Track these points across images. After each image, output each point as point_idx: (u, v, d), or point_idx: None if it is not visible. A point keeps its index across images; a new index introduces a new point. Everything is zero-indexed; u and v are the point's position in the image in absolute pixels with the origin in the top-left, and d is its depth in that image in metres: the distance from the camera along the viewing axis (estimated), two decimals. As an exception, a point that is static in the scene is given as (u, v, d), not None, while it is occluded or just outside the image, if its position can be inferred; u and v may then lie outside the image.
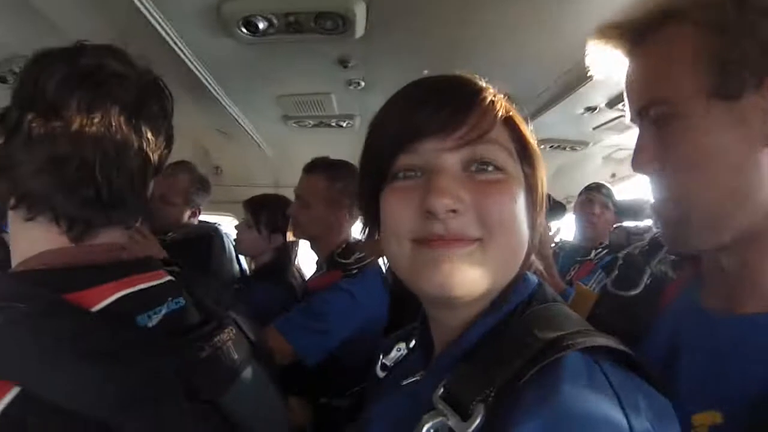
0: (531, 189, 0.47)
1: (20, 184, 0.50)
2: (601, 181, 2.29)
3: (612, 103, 1.76)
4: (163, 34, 1.18)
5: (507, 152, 0.46)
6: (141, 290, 0.53)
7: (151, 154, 0.56)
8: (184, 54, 1.32)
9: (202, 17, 1.16)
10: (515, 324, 0.44)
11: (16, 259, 0.52)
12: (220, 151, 2.52)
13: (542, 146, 2.11)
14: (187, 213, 1.73)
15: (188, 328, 0.56)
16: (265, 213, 1.62)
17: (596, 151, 2.43)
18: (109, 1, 1.06)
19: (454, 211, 0.42)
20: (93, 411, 0.40)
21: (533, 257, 0.51)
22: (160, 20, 1.14)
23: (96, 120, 0.50)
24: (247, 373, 0.60)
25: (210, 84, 1.54)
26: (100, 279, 0.50)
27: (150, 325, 0.52)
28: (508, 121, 0.47)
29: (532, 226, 0.47)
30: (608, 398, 0.35)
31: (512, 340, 0.41)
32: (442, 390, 0.41)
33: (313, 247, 1.47)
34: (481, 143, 0.44)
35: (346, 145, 1.88)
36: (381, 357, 0.64)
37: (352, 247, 1.37)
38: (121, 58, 0.55)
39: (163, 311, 0.54)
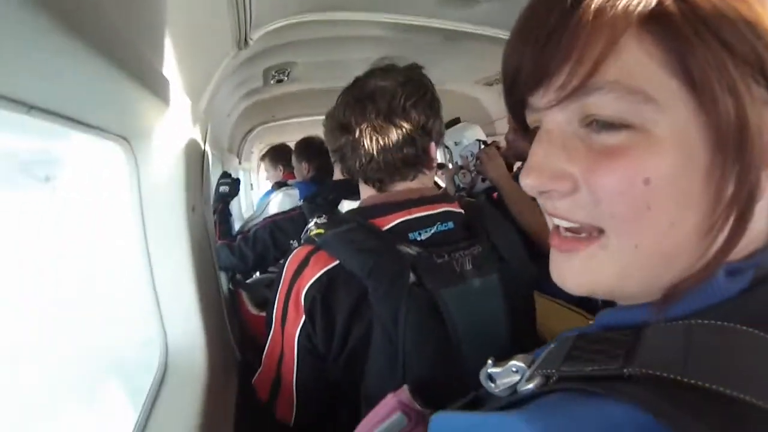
0: (719, 133, 0.28)
1: (348, 167, 0.86)
2: None
3: None
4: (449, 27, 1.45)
5: (638, 96, 0.29)
6: (416, 217, 0.81)
7: (418, 136, 0.81)
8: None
9: (449, 5, 1.34)
10: (651, 332, 0.31)
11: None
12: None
13: None
14: None
15: (449, 242, 0.81)
16: None
17: None
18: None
19: (554, 189, 0.33)
20: (359, 275, 0.72)
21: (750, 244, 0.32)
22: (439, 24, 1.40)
23: (364, 126, 0.81)
24: (474, 283, 0.77)
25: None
26: (390, 211, 0.81)
27: (419, 238, 0.79)
28: (658, 25, 0.28)
29: (721, 197, 0.29)
30: None
31: (604, 340, 0.33)
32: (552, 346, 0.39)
33: None
34: (589, 93, 0.30)
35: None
36: None
37: None
38: (381, 75, 0.83)
39: (432, 230, 0.81)
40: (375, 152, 0.81)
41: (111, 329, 1.06)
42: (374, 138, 0.80)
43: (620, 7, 0.28)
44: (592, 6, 0.29)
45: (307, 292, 0.73)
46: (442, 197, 0.87)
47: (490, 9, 1.44)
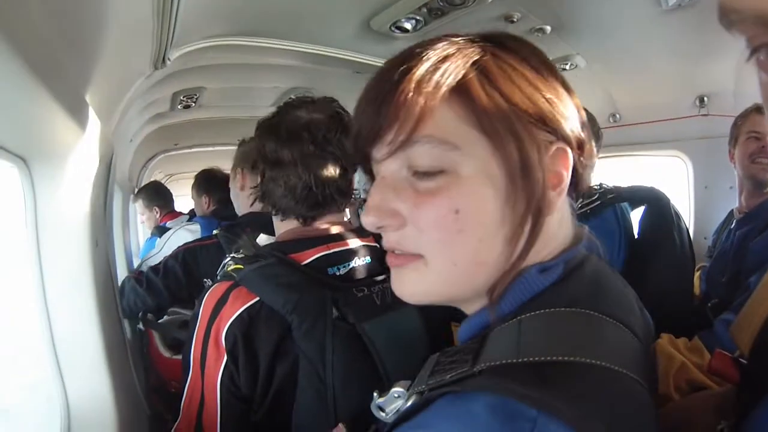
0: (509, 166, 0.38)
1: (274, 203, 0.84)
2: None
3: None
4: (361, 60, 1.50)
5: (447, 145, 0.37)
6: (334, 252, 0.81)
7: (347, 167, 0.83)
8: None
9: (364, 40, 1.39)
10: (493, 334, 0.39)
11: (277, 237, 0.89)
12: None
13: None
14: None
15: (367, 276, 0.82)
16: None
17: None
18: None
19: (388, 225, 0.41)
20: (281, 311, 0.70)
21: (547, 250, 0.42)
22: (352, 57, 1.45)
23: (298, 160, 0.79)
24: (394, 315, 0.78)
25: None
26: (308, 246, 0.80)
27: (338, 273, 0.80)
28: (462, 93, 0.38)
29: (517, 213, 0.39)
30: None
31: (458, 351, 0.39)
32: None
33: None
34: (412, 146, 0.38)
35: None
36: None
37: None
38: (311, 107, 0.83)
39: (351, 265, 0.82)
40: (314, 184, 0.80)
41: None
42: (311, 170, 0.80)
43: (433, 81, 0.37)
44: (413, 80, 0.37)
45: (227, 330, 0.70)
46: (358, 231, 0.88)
47: (406, 47, 1.52)
